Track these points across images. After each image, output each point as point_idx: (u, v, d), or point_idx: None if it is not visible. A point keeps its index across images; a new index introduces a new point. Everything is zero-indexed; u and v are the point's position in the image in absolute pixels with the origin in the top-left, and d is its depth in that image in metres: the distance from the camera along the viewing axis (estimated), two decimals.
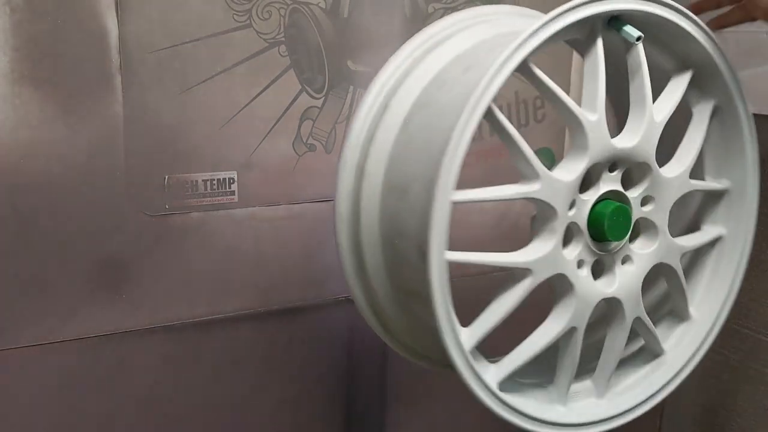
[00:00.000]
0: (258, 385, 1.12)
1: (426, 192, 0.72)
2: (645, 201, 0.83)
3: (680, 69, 0.84)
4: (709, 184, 0.90)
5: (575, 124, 0.76)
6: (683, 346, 0.92)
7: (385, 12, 1.06)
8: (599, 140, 0.76)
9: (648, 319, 0.86)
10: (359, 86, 1.07)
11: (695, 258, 0.94)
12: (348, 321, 1.17)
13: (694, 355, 0.91)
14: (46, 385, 0.97)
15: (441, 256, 0.72)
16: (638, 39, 0.76)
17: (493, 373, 0.79)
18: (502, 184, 0.77)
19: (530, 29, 0.71)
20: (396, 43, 1.08)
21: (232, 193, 1.02)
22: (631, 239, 0.84)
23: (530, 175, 0.75)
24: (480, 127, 0.77)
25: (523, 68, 0.74)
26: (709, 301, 0.93)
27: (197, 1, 0.94)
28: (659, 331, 0.91)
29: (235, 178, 1.02)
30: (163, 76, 0.94)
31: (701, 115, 0.86)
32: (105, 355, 0.99)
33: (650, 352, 0.92)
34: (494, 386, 0.78)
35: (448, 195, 0.71)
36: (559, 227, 0.76)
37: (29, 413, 0.97)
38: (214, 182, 1.01)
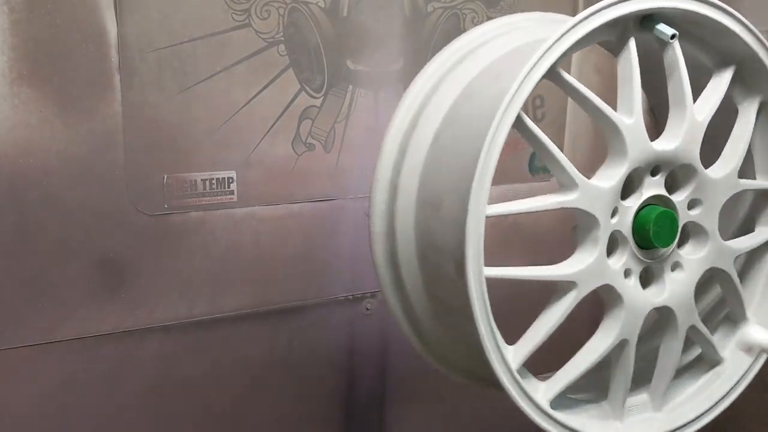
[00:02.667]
0: (258, 385, 1.12)
1: (459, 206, 0.70)
2: (692, 204, 0.80)
3: (721, 65, 0.80)
4: (762, 183, 0.85)
5: (611, 129, 0.73)
6: (743, 353, 0.87)
7: (385, 11, 1.06)
8: (638, 144, 0.74)
9: (704, 327, 0.82)
10: (358, 85, 1.07)
11: (750, 261, 0.89)
12: (348, 321, 1.17)
13: (755, 361, 0.87)
14: (46, 385, 0.97)
15: (479, 272, 0.70)
16: (672, 37, 0.74)
17: (544, 390, 0.77)
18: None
19: (556, 34, 0.69)
20: (395, 42, 1.08)
21: (231, 192, 1.02)
22: (680, 245, 0.81)
23: (568, 184, 0.73)
24: None
25: (551, 74, 0.72)
26: (766, 307, 0.87)
27: (196, 0, 0.94)
28: (716, 339, 0.87)
29: (234, 178, 1.02)
30: (162, 76, 0.94)
31: (747, 112, 0.82)
32: (104, 355, 0.99)
33: (707, 361, 0.87)
34: (545, 405, 0.76)
35: (482, 208, 0.69)
36: (603, 236, 0.74)
37: (29, 413, 0.97)
38: (213, 182, 1.00)
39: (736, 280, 0.83)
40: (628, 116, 0.74)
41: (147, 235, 0.98)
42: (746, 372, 0.87)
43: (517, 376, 0.74)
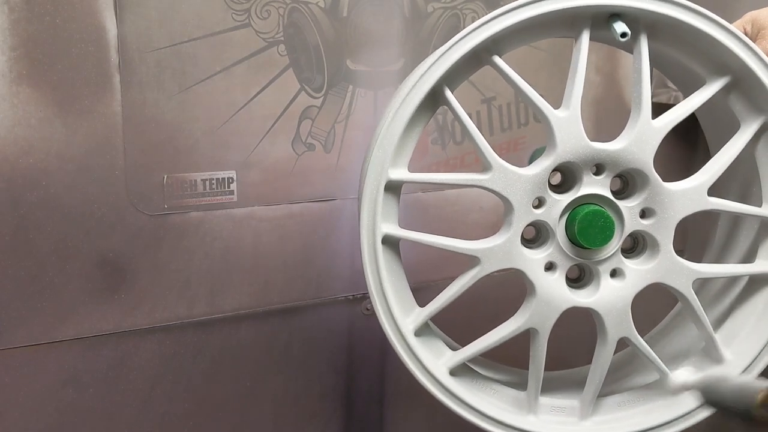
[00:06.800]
0: (257, 385, 1.12)
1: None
2: (645, 214, 0.78)
3: (714, 74, 0.77)
4: (739, 206, 0.80)
5: (543, 119, 0.74)
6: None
7: (385, 11, 1.06)
8: (570, 138, 0.73)
9: (643, 343, 0.79)
10: (358, 85, 1.07)
11: (746, 295, 0.85)
12: (348, 321, 1.17)
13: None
14: (46, 385, 0.97)
15: (372, 229, 0.73)
16: (623, 36, 0.73)
17: (446, 359, 0.79)
18: None
19: (480, 21, 0.71)
20: (395, 42, 1.08)
21: (231, 192, 1.02)
22: (631, 253, 0.80)
23: (485, 165, 0.74)
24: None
25: (488, 62, 0.74)
26: (750, 344, 0.82)
27: (196, 0, 0.94)
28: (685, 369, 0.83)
29: (234, 178, 1.02)
30: (162, 76, 0.94)
31: (745, 130, 0.78)
32: (104, 355, 0.99)
33: (663, 385, 0.83)
34: (441, 371, 0.78)
35: (383, 169, 0.72)
36: (517, 222, 0.74)
37: (29, 413, 0.97)
38: (213, 182, 1.00)
39: (696, 303, 0.79)
40: (564, 110, 0.74)
41: (147, 235, 0.98)
42: (696, 409, 0.82)
43: (409, 337, 0.76)
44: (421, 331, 0.78)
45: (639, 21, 0.75)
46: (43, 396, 0.97)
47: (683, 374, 0.61)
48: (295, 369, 1.14)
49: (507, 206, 0.75)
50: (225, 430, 1.11)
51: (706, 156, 0.91)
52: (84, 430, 1.01)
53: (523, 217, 0.75)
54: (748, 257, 0.88)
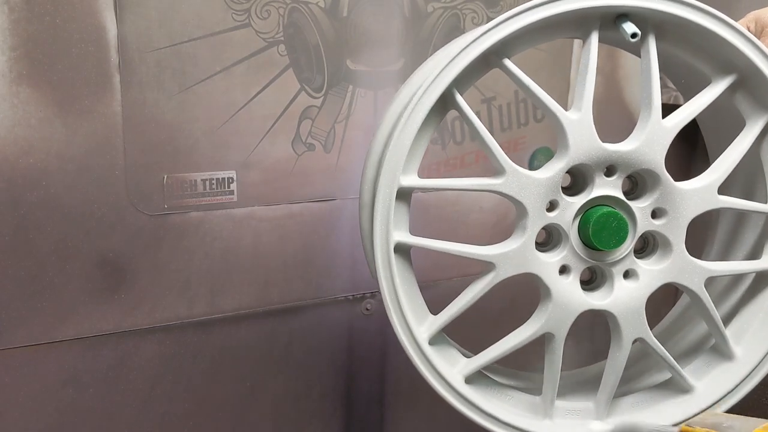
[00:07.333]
0: (257, 385, 1.12)
1: (375, 174, 0.74)
2: (656, 213, 0.77)
3: (720, 73, 0.77)
4: (746, 203, 0.80)
5: (555, 122, 0.74)
6: (717, 385, 0.82)
7: (385, 11, 1.06)
8: (582, 140, 0.73)
9: (658, 344, 0.79)
10: (358, 85, 1.07)
11: (754, 291, 0.85)
12: (348, 321, 1.17)
13: (726, 396, 0.82)
14: (46, 385, 0.97)
15: (386, 237, 0.73)
16: (633, 36, 0.73)
17: (461, 366, 0.78)
18: None
19: (490, 25, 0.70)
20: (395, 42, 1.08)
21: (231, 192, 1.02)
22: (643, 253, 0.80)
23: (498, 169, 0.74)
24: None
25: (497, 64, 0.74)
26: (759, 340, 0.82)
27: (196, 0, 0.94)
28: (695, 366, 0.84)
29: (234, 178, 1.02)
30: (162, 76, 0.94)
31: (751, 127, 0.78)
32: (104, 355, 0.99)
33: (676, 385, 0.83)
34: (457, 380, 0.77)
35: (394, 176, 0.72)
36: (531, 226, 0.74)
37: (29, 413, 0.97)
38: (213, 182, 1.00)
39: (708, 302, 0.79)
40: (576, 112, 0.74)
41: (147, 235, 0.98)
42: (712, 405, 0.82)
43: (425, 345, 0.75)
44: (435, 340, 0.77)
45: (647, 21, 0.75)
46: (43, 396, 0.97)
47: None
48: (295, 369, 1.14)
49: (520, 210, 0.74)
50: (225, 430, 1.11)
51: (706, 155, 0.91)
52: (84, 430, 1.01)
53: (537, 221, 0.74)
54: (754, 254, 0.88)
